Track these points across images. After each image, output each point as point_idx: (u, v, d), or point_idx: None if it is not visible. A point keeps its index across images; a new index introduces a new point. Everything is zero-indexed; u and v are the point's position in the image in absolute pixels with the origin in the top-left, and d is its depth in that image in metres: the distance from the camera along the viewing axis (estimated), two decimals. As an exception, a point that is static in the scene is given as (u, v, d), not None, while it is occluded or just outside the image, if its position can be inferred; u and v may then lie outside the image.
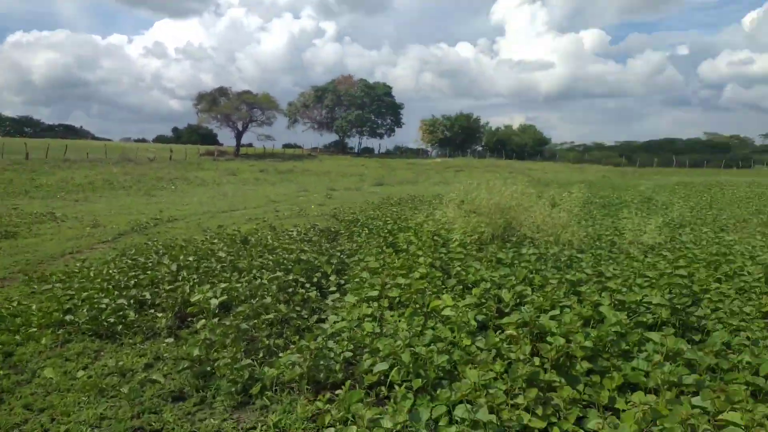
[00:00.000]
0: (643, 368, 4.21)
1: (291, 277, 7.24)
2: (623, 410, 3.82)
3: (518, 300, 6.20)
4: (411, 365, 4.46)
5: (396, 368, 4.51)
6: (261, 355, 5.15)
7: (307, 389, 4.54)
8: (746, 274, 7.33)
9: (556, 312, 5.36)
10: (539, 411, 3.79)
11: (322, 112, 79.18)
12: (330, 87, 78.13)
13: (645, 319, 5.41)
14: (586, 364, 4.24)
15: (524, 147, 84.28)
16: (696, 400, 3.62)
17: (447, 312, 5.21)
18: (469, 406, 3.74)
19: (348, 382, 4.31)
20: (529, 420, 3.70)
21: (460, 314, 5.13)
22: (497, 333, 5.29)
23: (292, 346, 5.29)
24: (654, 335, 4.62)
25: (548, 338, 4.61)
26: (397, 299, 6.25)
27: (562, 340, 4.47)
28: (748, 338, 4.89)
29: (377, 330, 5.25)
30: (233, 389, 4.45)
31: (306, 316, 6.19)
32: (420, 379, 4.33)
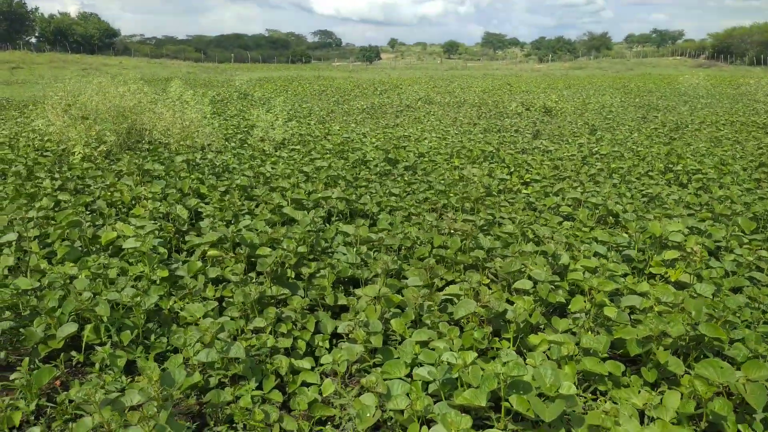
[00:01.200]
0: (352, 261, 4.45)
1: None
2: (351, 305, 3.99)
3: (194, 215, 5.64)
4: (106, 318, 3.61)
5: (90, 325, 3.58)
6: None
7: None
8: (371, 159, 8.44)
9: (246, 221, 5.11)
10: (282, 328, 3.63)
11: None
12: None
13: (325, 214, 5.68)
14: (306, 269, 4.22)
15: (90, 39, 74.29)
16: (412, 279, 4.07)
17: (130, 243, 4.32)
18: (207, 348, 3.27)
19: (26, 360, 3.20)
20: (275, 342, 3.50)
21: (146, 242, 4.32)
22: (188, 256, 4.76)
23: None
24: (348, 228, 4.90)
25: (258, 251, 4.36)
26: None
27: (271, 251, 4.31)
28: (410, 215, 5.69)
29: (36, 284, 3.99)
30: None
31: None
32: (129, 331, 3.56)
